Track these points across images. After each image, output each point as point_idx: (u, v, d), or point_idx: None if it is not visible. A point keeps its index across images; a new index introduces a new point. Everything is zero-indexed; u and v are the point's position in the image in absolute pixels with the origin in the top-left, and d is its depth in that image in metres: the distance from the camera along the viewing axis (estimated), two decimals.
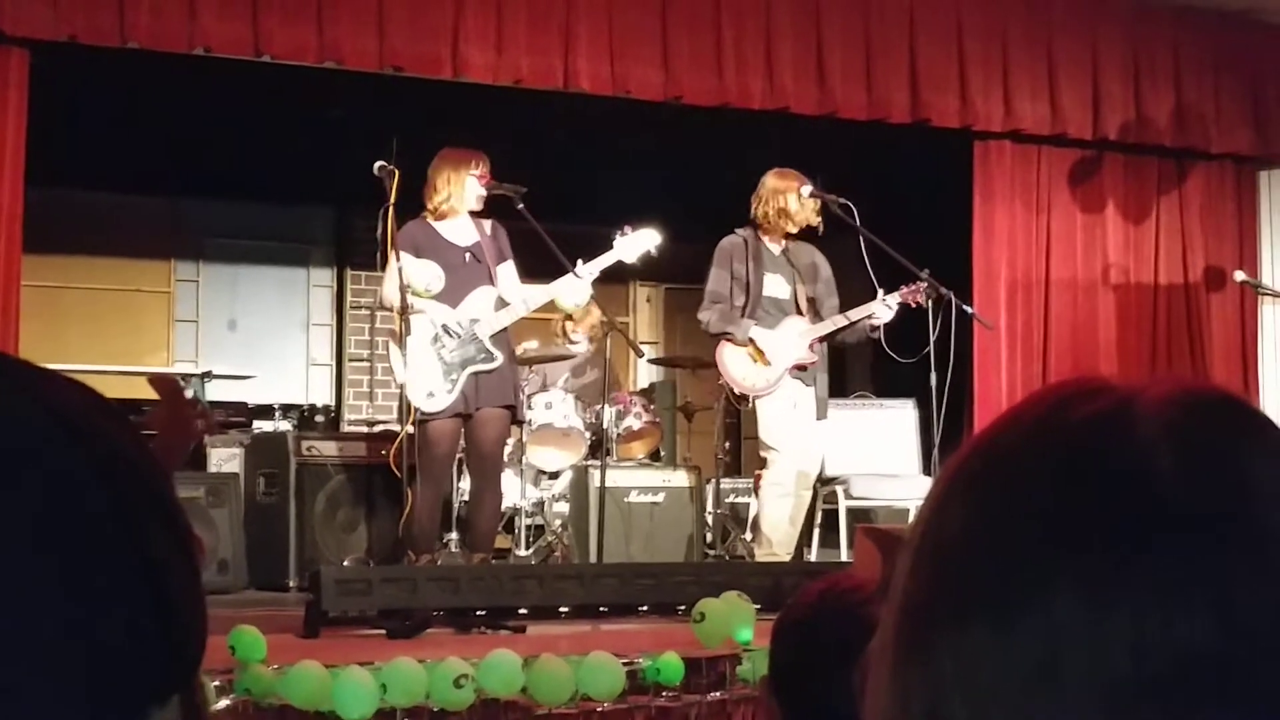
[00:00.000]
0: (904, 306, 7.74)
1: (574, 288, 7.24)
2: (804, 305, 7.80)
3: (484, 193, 7.20)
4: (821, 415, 7.81)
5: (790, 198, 7.68)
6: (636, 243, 7.37)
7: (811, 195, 7.68)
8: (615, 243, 7.36)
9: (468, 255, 7.23)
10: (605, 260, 7.33)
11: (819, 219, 7.73)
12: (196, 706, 0.75)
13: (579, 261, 7.22)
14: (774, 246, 7.81)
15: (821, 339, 7.79)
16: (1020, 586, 0.69)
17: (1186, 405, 0.73)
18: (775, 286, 7.77)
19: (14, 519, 0.68)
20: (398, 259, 6.98)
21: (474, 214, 7.29)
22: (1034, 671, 0.68)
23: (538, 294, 7.31)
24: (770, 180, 7.78)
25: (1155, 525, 0.68)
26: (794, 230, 7.76)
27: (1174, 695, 0.66)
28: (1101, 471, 0.70)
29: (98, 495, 0.71)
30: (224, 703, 5.01)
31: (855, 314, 7.76)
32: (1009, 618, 0.69)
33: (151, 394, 2.78)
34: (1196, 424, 0.72)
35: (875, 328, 7.77)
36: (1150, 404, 0.72)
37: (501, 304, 7.23)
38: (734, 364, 7.71)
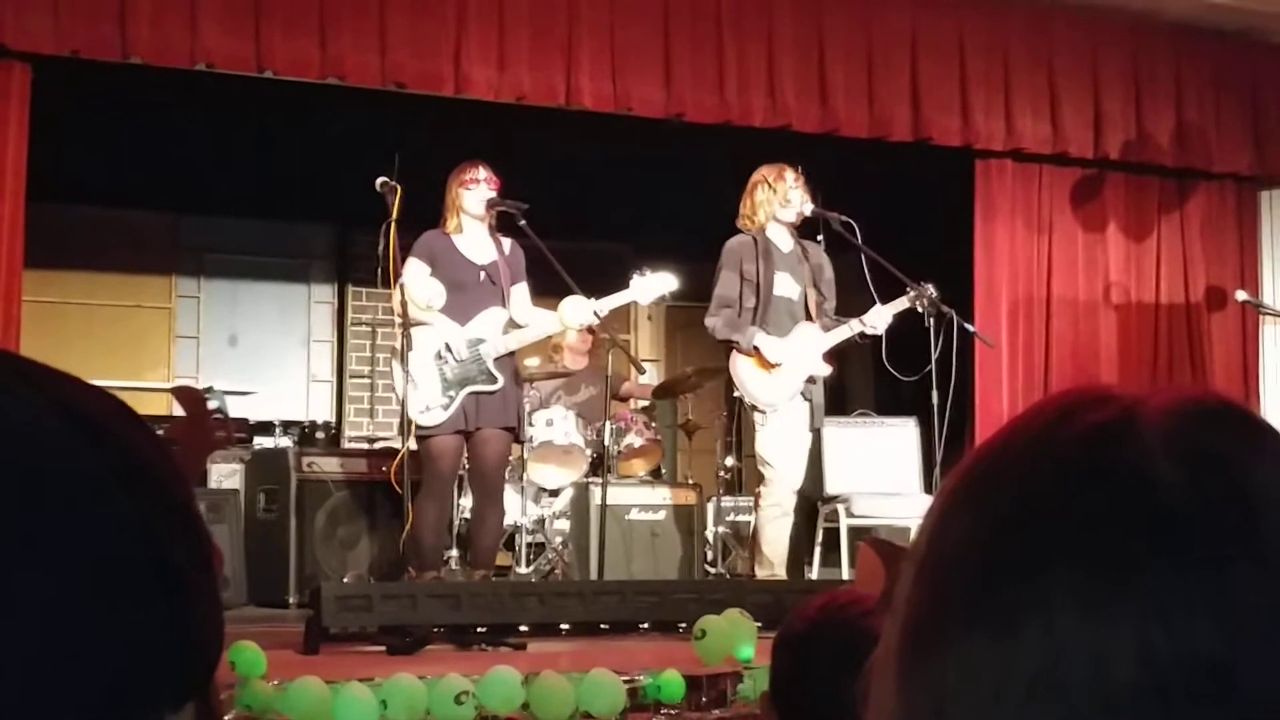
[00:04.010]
0: (906, 316, 7.63)
1: (577, 307, 7.18)
2: (814, 308, 7.62)
3: (487, 200, 7.13)
4: (816, 424, 7.63)
5: (787, 176, 7.54)
6: (653, 285, 7.34)
7: (814, 213, 7.63)
8: (632, 283, 7.33)
9: (483, 274, 7.17)
10: (620, 299, 7.32)
11: (809, 203, 7.58)
12: (211, 712, 0.75)
13: (592, 299, 7.17)
14: (783, 245, 7.64)
15: (832, 350, 7.62)
16: (1022, 595, 0.69)
17: (1189, 414, 0.72)
18: (786, 286, 7.57)
19: (31, 521, 0.68)
20: (403, 266, 6.95)
21: (494, 233, 7.24)
22: (1036, 679, 0.67)
23: (546, 325, 7.29)
24: (760, 172, 7.64)
25: (1158, 534, 0.68)
26: (793, 217, 7.58)
27: (1177, 704, 0.66)
28: (1104, 481, 0.70)
29: (116, 498, 0.70)
30: (224, 718, 5.01)
31: (857, 323, 7.56)
32: (1012, 626, 0.68)
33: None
34: (1199, 433, 0.72)
35: (866, 336, 7.62)
36: (1153, 413, 0.72)
37: (512, 326, 7.19)
38: (749, 377, 7.50)
